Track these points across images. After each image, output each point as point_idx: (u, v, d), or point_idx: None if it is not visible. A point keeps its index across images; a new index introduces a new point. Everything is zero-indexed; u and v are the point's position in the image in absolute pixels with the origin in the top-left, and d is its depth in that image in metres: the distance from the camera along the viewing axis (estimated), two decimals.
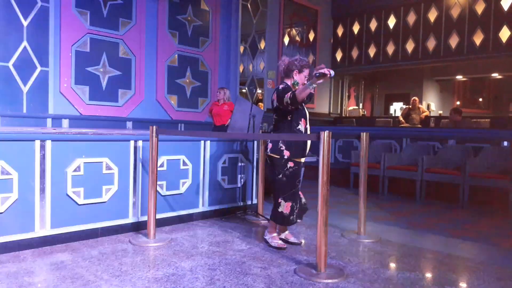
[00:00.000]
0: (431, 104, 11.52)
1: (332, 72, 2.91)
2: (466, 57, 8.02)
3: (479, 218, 4.81)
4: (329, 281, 2.61)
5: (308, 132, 3.34)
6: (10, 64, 4.19)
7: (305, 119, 3.31)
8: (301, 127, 3.26)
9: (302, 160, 3.34)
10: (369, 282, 2.63)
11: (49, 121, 4.53)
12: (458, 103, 12.25)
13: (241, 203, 4.65)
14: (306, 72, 3.27)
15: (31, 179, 3.08)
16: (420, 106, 9.14)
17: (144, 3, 5.26)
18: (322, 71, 2.82)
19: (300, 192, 3.39)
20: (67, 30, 4.59)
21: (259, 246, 3.36)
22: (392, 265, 3.05)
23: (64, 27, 4.57)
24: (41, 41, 4.44)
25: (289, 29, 8.79)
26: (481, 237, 3.91)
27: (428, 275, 2.88)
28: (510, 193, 5.14)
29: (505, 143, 5.84)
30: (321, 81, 2.89)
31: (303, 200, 3.49)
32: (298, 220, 3.45)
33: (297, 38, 9.04)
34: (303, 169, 3.40)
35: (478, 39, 7.79)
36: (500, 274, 2.85)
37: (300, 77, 3.27)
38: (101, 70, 4.95)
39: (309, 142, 3.29)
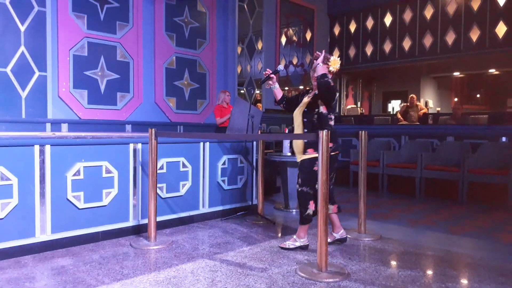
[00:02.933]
0: (429, 101, 11.54)
1: (279, 68, 3.44)
2: (463, 54, 8.03)
3: (479, 214, 4.83)
4: (331, 280, 2.62)
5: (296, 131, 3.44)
6: (8, 70, 4.19)
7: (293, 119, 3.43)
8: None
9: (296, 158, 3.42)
10: (370, 280, 2.64)
11: (48, 125, 4.54)
12: (456, 99, 12.27)
13: (242, 204, 4.66)
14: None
15: (31, 184, 3.09)
16: (418, 103, 9.16)
17: (140, 6, 5.27)
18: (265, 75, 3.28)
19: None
20: (65, 34, 4.59)
21: (260, 247, 3.37)
22: (393, 263, 3.06)
23: (61, 31, 4.57)
24: (38, 45, 4.44)
25: (286, 29, 8.80)
26: (481, 233, 3.92)
27: (429, 272, 2.89)
28: (509, 189, 5.15)
29: (504, 139, 5.86)
30: (268, 85, 3.43)
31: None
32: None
33: (294, 38, 9.05)
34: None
35: (474, 35, 7.81)
36: (501, 270, 2.86)
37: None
38: (99, 73, 4.96)
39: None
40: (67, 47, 4.63)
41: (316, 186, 3.05)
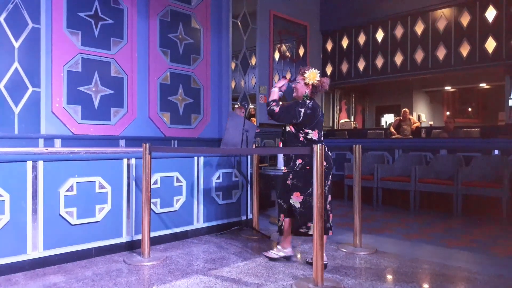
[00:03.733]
0: (422, 115, 11.65)
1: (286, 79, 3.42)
2: (453, 68, 8.16)
3: (473, 227, 4.83)
4: None
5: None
6: (2, 86, 4.18)
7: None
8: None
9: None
10: None
11: (41, 141, 4.50)
12: (448, 113, 12.40)
13: (236, 219, 4.63)
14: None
15: (23, 200, 3.05)
16: (410, 117, 9.24)
17: (135, 23, 5.31)
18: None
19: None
20: (59, 51, 4.60)
21: (255, 262, 3.34)
22: (389, 277, 3.04)
23: (55, 48, 4.58)
24: (32, 62, 4.44)
25: (279, 45, 8.90)
26: (476, 246, 3.92)
27: (425, 286, 2.88)
28: (502, 202, 5.18)
29: (496, 152, 5.91)
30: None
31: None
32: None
33: (287, 54, 9.15)
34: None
35: (464, 50, 7.95)
36: (496, 283, 2.86)
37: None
38: (93, 89, 4.95)
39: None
40: (61, 63, 4.63)
41: (291, 200, 3.25)
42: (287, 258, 3.39)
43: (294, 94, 3.41)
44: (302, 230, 3.30)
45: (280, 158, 4.90)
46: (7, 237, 2.97)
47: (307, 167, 3.20)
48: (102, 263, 3.27)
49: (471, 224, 4.96)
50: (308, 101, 3.28)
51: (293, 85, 3.39)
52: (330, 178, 3.31)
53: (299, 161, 3.25)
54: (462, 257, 3.58)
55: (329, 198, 3.33)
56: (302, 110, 3.21)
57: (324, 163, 3.18)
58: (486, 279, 2.94)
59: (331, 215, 3.35)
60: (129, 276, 2.97)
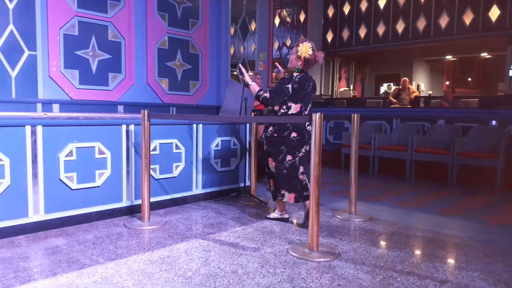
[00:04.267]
0: (421, 84, 11.58)
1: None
2: (456, 37, 8.05)
3: (467, 196, 4.92)
4: (322, 260, 2.68)
5: None
6: None
7: None
8: None
9: None
10: (361, 260, 2.70)
11: (39, 106, 4.47)
12: (447, 83, 12.32)
13: (235, 186, 4.69)
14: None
15: (23, 164, 3.08)
16: (410, 86, 9.19)
17: None
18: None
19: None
20: (54, 13, 4.49)
21: (253, 227, 3.42)
22: (383, 243, 3.13)
23: (50, 10, 4.46)
24: (28, 24, 4.34)
25: (279, 10, 8.70)
26: (469, 215, 4.01)
27: (418, 252, 2.97)
28: (497, 172, 5.25)
29: (494, 123, 5.93)
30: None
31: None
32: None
33: (288, 19, 8.96)
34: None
35: (468, 18, 7.81)
36: (487, 250, 2.95)
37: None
38: (91, 53, 4.87)
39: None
40: (57, 26, 4.53)
41: (269, 165, 3.51)
42: (283, 221, 3.59)
43: (288, 65, 3.51)
44: (279, 198, 3.49)
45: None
46: (9, 200, 3.01)
47: (275, 135, 3.36)
48: (102, 227, 3.34)
49: (465, 194, 5.05)
50: (296, 74, 3.36)
51: (288, 57, 3.51)
52: (304, 150, 3.40)
53: (270, 128, 3.42)
54: (455, 225, 3.67)
55: (301, 169, 3.43)
56: (290, 86, 3.30)
57: (295, 134, 3.30)
58: (477, 246, 3.03)
59: (309, 184, 3.39)
60: (129, 240, 3.04)
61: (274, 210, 3.74)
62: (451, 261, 2.78)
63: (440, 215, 4.00)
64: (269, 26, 8.38)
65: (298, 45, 3.35)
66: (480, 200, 4.70)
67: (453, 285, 2.33)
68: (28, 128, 3.09)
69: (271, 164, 3.46)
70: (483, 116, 6.08)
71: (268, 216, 3.71)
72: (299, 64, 3.36)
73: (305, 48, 3.30)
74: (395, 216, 3.94)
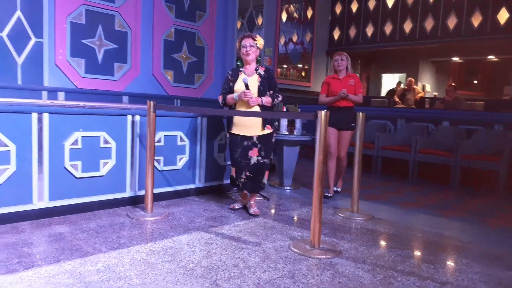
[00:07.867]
0: (427, 85, 11.54)
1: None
2: (463, 39, 8.00)
3: (469, 198, 4.92)
4: (323, 256, 2.69)
5: None
6: (4, 35, 4.09)
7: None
8: None
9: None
10: (361, 259, 2.71)
11: (44, 93, 4.47)
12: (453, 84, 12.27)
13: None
14: None
15: (29, 151, 3.09)
16: (415, 87, 9.17)
17: None
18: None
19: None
20: (62, 0, 4.48)
21: (255, 222, 3.43)
22: (384, 243, 3.14)
23: None
24: (35, 11, 4.33)
25: (287, 5, 8.66)
26: (470, 217, 4.01)
27: (418, 252, 2.98)
28: (499, 175, 5.24)
29: (498, 126, 5.91)
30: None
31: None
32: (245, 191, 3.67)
33: (295, 15, 8.93)
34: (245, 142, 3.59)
35: (476, 20, 7.76)
36: (487, 253, 2.95)
37: None
38: (97, 43, 4.86)
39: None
40: (64, 14, 4.52)
41: (271, 157, 3.72)
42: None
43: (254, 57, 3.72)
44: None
45: (283, 122, 4.91)
46: (14, 186, 3.03)
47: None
48: (105, 216, 3.36)
49: (467, 196, 5.05)
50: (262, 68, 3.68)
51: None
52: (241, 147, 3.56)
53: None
54: (456, 227, 3.67)
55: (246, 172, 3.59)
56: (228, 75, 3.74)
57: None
58: (478, 248, 3.04)
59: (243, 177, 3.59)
60: (132, 230, 3.06)
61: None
62: (451, 263, 2.79)
63: (441, 216, 4.00)
64: (276, 21, 8.35)
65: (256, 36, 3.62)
66: (481, 203, 4.70)
67: (453, 287, 2.34)
68: (34, 115, 3.10)
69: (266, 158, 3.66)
70: (488, 119, 6.06)
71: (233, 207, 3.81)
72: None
73: (259, 39, 3.63)
74: (397, 216, 3.94)
